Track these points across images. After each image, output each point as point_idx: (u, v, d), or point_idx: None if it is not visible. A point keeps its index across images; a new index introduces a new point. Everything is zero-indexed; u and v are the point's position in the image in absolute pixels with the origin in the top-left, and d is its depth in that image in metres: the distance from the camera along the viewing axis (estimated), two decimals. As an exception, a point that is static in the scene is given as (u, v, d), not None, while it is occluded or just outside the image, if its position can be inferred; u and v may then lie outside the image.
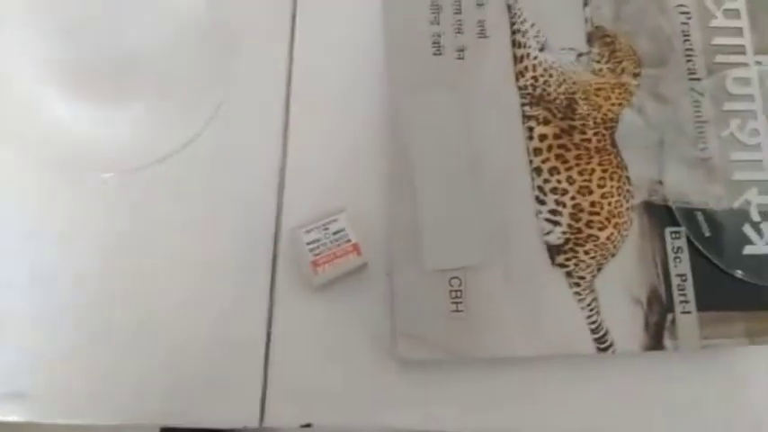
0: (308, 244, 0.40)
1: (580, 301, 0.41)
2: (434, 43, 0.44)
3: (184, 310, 0.41)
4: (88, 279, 0.41)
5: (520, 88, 0.44)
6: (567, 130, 0.43)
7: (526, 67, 0.44)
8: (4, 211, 0.41)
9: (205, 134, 0.43)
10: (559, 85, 0.44)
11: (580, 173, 0.43)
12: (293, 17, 0.45)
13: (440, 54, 0.44)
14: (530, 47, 0.44)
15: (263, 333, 0.41)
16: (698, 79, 0.45)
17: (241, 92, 0.44)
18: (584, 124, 0.43)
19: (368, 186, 0.43)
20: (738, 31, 0.46)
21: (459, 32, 0.44)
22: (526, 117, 0.43)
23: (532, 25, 0.45)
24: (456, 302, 0.40)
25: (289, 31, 0.45)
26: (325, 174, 0.44)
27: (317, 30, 0.45)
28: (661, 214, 0.43)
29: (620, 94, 0.44)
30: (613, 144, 0.43)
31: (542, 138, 0.43)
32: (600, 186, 0.43)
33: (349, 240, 0.40)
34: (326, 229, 0.40)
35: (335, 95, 0.44)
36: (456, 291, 0.40)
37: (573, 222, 0.42)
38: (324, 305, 0.42)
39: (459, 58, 0.44)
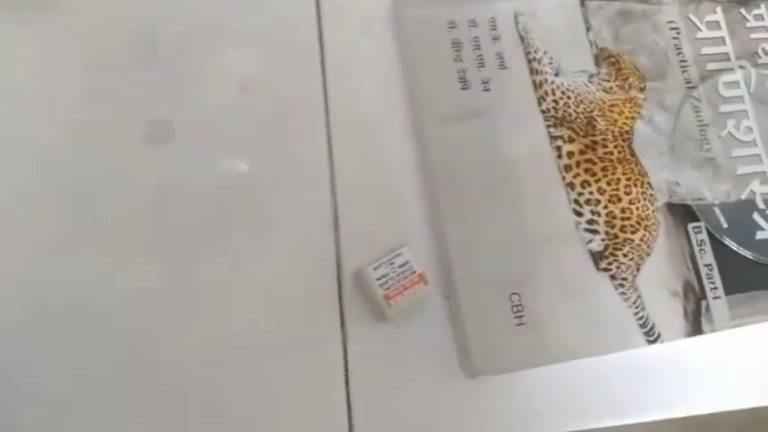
0: (378, 279, 0.43)
1: (626, 300, 0.45)
2: (461, 79, 0.47)
3: (260, 357, 0.42)
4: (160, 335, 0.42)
5: (543, 112, 0.47)
6: (590, 146, 0.47)
7: (546, 92, 0.48)
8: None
9: (255, 185, 0.45)
10: (578, 106, 0.48)
11: (608, 183, 0.47)
12: (322, 63, 0.48)
13: (467, 88, 0.47)
14: (546, 73, 0.48)
15: (341, 369, 0.43)
16: (694, 87, 0.50)
17: (286, 144, 0.46)
18: (604, 138, 0.47)
19: (412, 216, 0.46)
20: (721, 41, 0.52)
21: (481, 66, 0.48)
22: (552, 138, 0.47)
23: (545, 53, 0.49)
24: (519, 316, 0.43)
25: (320, 75, 0.47)
26: (372, 209, 0.46)
27: (346, 78, 0.48)
28: (682, 212, 0.47)
29: (631, 108, 0.49)
30: (632, 154, 0.48)
31: (570, 155, 0.47)
32: (627, 194, 0.47)
33: (414, 271, 0.43)
34: (392, 263, 0.43)
35: (373, 138, 0.47)
36: (517, 306, 0.44)
37: (609, 229, 0.46)
38: (390, 333, 0.44)
39: (486, 90, 0.47)
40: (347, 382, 0.43)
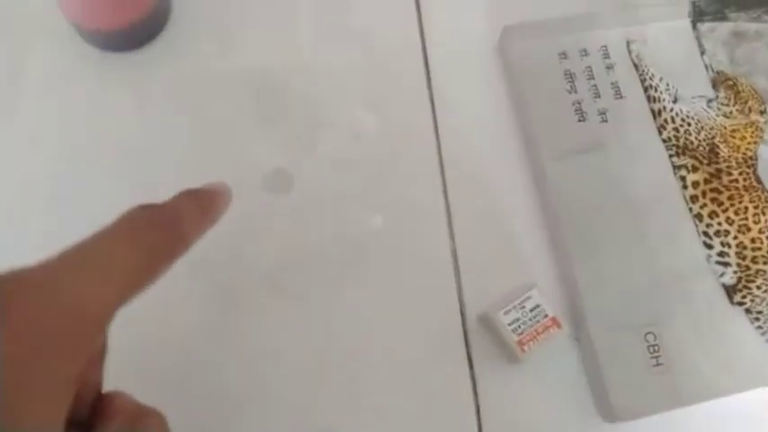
0: (509, 324, 0.41)
1: (763, 334, 0.43)
2: (577, 111, 0.46)
3: (389, 404, 0.42)
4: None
5: (664, 141, 0.46)
6: (715, 174, 0.46)
7: (666, 120, 0.46)
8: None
9: (373, 232, 0.44)
10: (699, 133, 0.46)
11: (736, 212, 0.45)
12: (432, 108, 0.47)
13: (584, 120, 0.46)
14: (664, 100, 0.47)
15: (473, 415, 0.42)
16: (815, 107, 0.48)
17: (402, 190, 0.45)
18: (728, 166, 0.46)
19: (535, 256, 0.45)
20: (839, 57, 0.49)
21: (596, 97, 0.46)
22: (676, 167, 0.46)
23: (661, 79, 0.47)
24: (656, 357, 0.42)
25: (432, 121, 0.47)
26: (491, 251, 0.45)
27: (456, 118, 0.47)
28: (814, 239, 0.45)
29: (753, 132, 0.47)
30: (758, 180, 0.46)
31: (695, 185, 0.45)
32: (756, 222, 0.45)
33: (547, 315, 0.42)
34: (523, 307, 0.42)
35: (488, 177, 0.46)
36: (653, 345, 0.42)
37: (740, 261, 0.44)
38: (521, 376, 0.43)
39: (603, 121, 0.46)
40: (480, 428, 0.42)
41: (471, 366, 0.43)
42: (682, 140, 0.46)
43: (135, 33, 0.43)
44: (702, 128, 0.46)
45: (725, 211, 0.45)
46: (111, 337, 0.26)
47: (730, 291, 0.44)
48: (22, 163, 0.44)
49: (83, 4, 0.40)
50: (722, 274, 0.44)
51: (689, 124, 0.46)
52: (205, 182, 0.43)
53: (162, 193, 0.42)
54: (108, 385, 0.27)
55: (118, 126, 0.45)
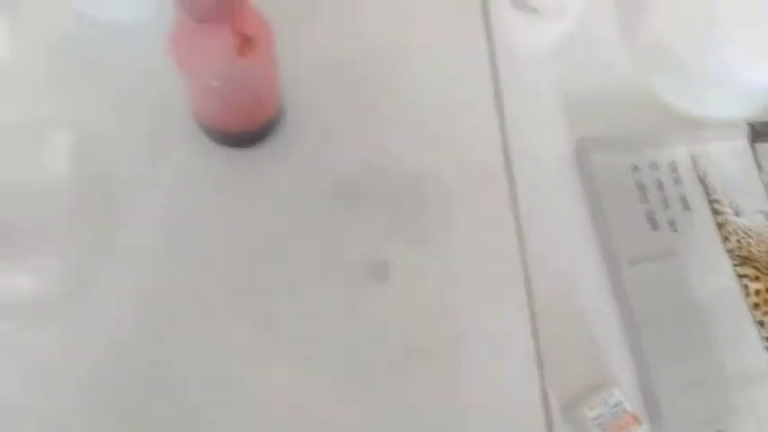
0: (594, 420, 0.45)
1: (823, 437, 0.47)
2: (649, 220, 0.51)
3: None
4: None
5: (728, 251, 0.50)
6: (774, 284, 0.50)
7: (729, 232, 0.51)
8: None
9: (459, 326, 0.48)
10: (759, 245, 0.51)
11: (794, 321, 0.49)
12: (517, 220, 0.51)
13: (656, 229, 0.50)
14: (727, 213, 0.51)
15: None
16: None
17: (487, 294, 0.49)
18: (787, 277, 0.50)
19: (613, 355, 0.49)
20: None
21: (666, 207, 0.51)
22: (739, 276, 0.50)
23: (724, 194, 0.52)
24: (727, 456, 0.45)
25: (515, 232, 0.51)
26: (572, 346, 0.49)
27: (539, 224, 0.51)
28: None
29: (808, 246, 0.51)
30: (814, 291, 0.50)
31: (757, 293, 0.49)
32: (812, 331, 0.49)
33: (627, 411, 0.45)
34: (606, 403, 0.45)
35: (568, 276, 0.50)
36: (723, 446, 0.46)
37: (799, 368, 0.48)
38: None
39: (673, 231, 0.50)
40: None
41: (553, 456, 0.46)
42: (744, 251, 0.50)
43: (259, 133, 0.48)
44: (762, 240, 0.51)
45: (785, 319, 0.49)
46: None
47: (792, 396, 0.47)
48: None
49: (218, 114, 0.45)
50: (783, 380, 0.48)
51: (750, 237, 0.51)
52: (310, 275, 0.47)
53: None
54: None
55: (244, 212, 0.49)
